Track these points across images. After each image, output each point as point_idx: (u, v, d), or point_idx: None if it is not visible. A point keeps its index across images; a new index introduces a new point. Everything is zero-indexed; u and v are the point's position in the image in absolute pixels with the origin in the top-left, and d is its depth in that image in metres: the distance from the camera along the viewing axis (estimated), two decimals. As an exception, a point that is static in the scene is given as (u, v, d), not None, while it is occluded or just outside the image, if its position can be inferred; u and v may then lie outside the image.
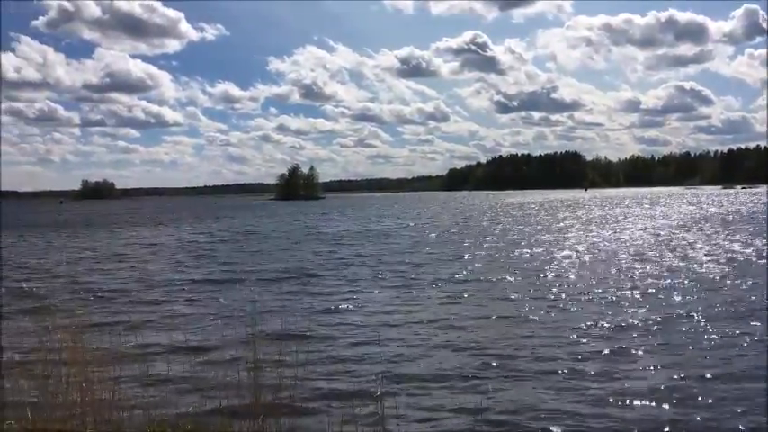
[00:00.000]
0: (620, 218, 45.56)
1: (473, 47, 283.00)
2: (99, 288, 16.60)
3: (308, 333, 10.70)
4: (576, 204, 78.35)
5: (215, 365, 7.42)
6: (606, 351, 9.29)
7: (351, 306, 13.48)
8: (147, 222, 59.33)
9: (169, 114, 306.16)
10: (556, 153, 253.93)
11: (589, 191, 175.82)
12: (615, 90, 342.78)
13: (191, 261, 23.51)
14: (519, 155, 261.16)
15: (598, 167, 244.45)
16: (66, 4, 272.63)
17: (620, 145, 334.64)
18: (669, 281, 15.60)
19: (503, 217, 52.26)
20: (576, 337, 10.25)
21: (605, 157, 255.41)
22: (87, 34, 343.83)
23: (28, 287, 17.03)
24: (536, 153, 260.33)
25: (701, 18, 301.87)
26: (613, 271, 17.68)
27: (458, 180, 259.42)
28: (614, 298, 13.51)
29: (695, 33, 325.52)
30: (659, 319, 11.22)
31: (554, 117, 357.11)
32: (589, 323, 11.10)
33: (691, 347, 9.44)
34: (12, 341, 9.76)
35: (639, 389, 7.65)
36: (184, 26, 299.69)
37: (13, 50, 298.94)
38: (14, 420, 5.96)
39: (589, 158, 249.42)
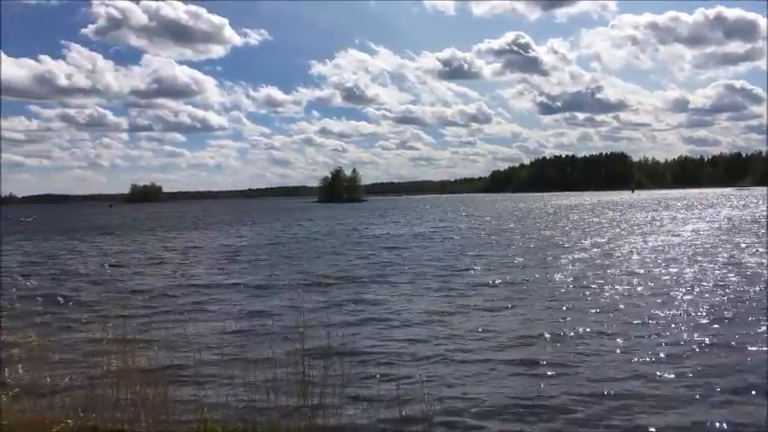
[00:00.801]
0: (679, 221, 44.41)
1: (515, 47, 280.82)
2: (145, 292, 16.85)
3: (353, 344, 10.44)
4: (626, 206, 76.75)
5: (262, 372, 7.45)
6: (671, 375, 8.72)
7: (396, 315, 13.21)
8: (194, 226, 60.35)
9: (214, 119, 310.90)
10: (601, 154, 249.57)
11: (636, 192, 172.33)
12: (662, 89, 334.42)
13: (235, 265, 23.74)
14: (563, 156, 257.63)
15: (645, 168, 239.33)
16: (115, 12, 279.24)
17: (667, 145, 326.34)
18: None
19: (549, 219, 51.54)
20: (638, 358, 9.69)
21: (652, 158, 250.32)
22: (135, 41, 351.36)
23: (74, 292, 17.45)
24: (581, 154, 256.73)
25: (751, 15, 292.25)
26: (679, 280, 16.96)
27: (501, 182, 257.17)
28: (681, 314, 12.82)
29: (745, 30, 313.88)
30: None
31: (599, 117, 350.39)
32: (655, 343, 10.60)
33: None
34: (63, 345, 9.98)
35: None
36: (228, 32, 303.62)
37: (63, 58, 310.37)
38: (71, 420, 6.09)
39: (636, 159, 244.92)
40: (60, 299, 16.09)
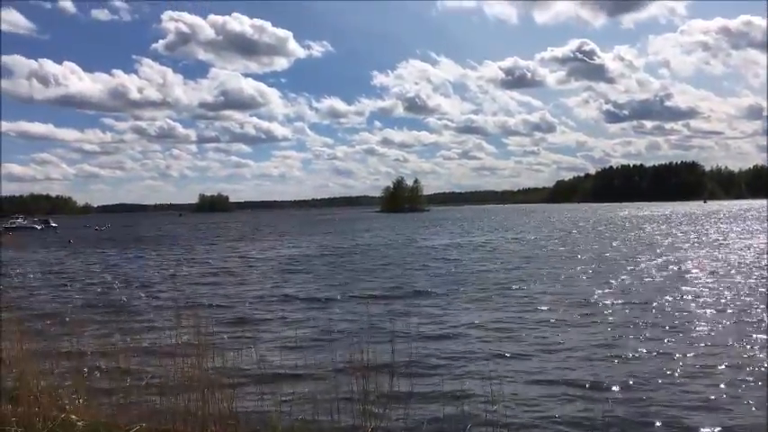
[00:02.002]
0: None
1: (579, 55, 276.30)
2: (209, 304, 16.95)
3: (416, 361, 9.80)
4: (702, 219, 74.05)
5: (324, 387, 7.48)
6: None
7: (460, 330, 12.88)
8: (258, 236, 61.48)
9: (278, 130, 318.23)
10: (671, 163, 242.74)
11: (708, 203, 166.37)
12: (736, 96, 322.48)
13: (297, 277, 23.84)
14: (631, 165, 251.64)
15: (718, 178, 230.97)
16: (183, 27, 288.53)
17: (741, 154, 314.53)
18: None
19: (617, 232, 50.27)
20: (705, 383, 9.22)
21: (726, 167, 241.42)
22: (202, 55, 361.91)
23: (143, 299, 17.94)
24: (649, 163, 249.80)
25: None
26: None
27: (565, 192, 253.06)
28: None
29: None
30: None
31: (668, 126, 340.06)
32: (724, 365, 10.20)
33: None
34: (135, 352, 10.28)
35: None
36: (292, 44, 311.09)
37: (135, 72, 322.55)
38: (145, 423, 6.28)
39: (708, 168, 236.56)
40: (129, 306, 16.62)
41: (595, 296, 16.50)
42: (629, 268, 22.52)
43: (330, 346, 10.83)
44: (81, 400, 6.84)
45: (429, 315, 14.63)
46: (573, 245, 35.95)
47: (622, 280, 19.45)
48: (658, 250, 29.93)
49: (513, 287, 18.79)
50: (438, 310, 15.19)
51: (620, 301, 15.59)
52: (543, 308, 15.10)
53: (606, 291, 17.32)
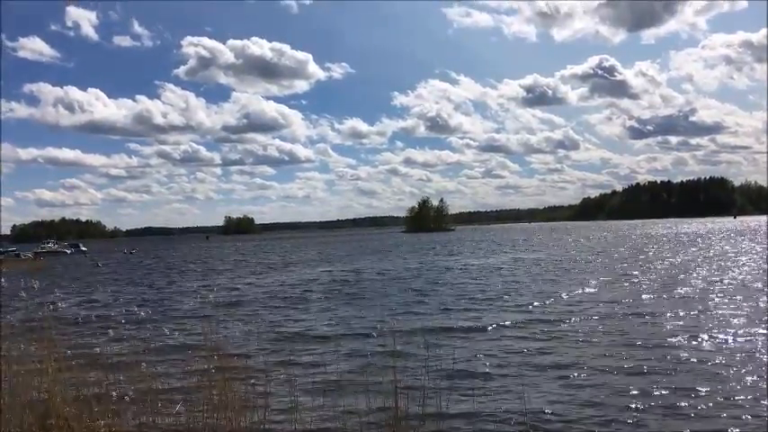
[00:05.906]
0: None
1: (600, 71, 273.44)
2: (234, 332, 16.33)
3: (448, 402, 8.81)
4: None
5: (357, 416, 7.44)
6: None
7: (495, 361, 11.98)
8: (284, 261, 61.65)
9: (301, 151, 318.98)
10: (699, 179, 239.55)
11: (739, 218, 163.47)
12: (762, 110, 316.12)
13: (321, 306, 23.52)
14: (658, 182, 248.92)
15: (748, 193, 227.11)
16: (204, 52, 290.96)
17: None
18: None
19: (649, 252, 49.56)
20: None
21: (755, 182, 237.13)
22: (223, 79, 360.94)
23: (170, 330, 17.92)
24: (676, 179, 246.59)
25: None
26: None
27: (592, 209, 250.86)
28: None
29: None
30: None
31: (694, 141, 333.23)
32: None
33: None
34: (162, 371, 10.34)
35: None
36: (312, 67, 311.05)
37: (159, 97, 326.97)
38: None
39: (737, 184, 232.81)
40: (154, 330, 16.61)
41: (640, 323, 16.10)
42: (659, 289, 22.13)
43: (361, 380, 10.54)
44: (111, 422, 6.88)
45: (464, 340, 14.20)
46: (621, 265, 35.46)
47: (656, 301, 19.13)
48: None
49: (559, 309, 18.56)
50: (476, 334, 14.88)
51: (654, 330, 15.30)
52: (575, 332, 14.75)
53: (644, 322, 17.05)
